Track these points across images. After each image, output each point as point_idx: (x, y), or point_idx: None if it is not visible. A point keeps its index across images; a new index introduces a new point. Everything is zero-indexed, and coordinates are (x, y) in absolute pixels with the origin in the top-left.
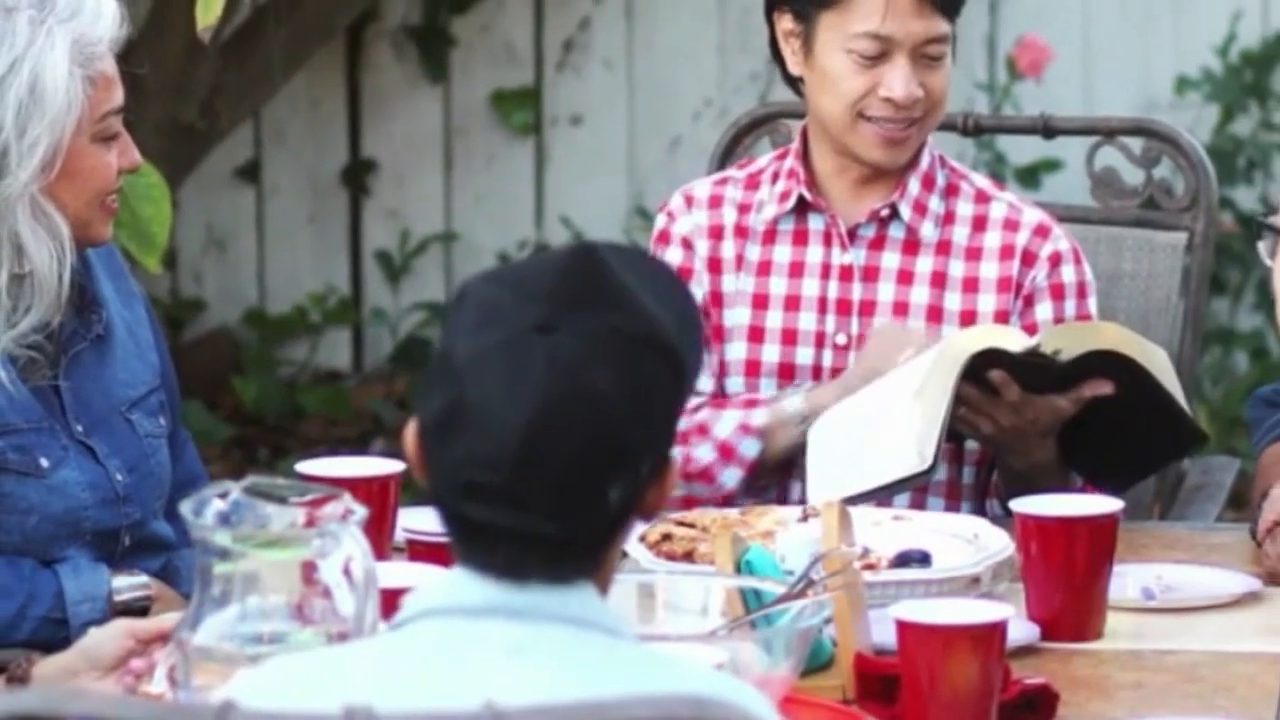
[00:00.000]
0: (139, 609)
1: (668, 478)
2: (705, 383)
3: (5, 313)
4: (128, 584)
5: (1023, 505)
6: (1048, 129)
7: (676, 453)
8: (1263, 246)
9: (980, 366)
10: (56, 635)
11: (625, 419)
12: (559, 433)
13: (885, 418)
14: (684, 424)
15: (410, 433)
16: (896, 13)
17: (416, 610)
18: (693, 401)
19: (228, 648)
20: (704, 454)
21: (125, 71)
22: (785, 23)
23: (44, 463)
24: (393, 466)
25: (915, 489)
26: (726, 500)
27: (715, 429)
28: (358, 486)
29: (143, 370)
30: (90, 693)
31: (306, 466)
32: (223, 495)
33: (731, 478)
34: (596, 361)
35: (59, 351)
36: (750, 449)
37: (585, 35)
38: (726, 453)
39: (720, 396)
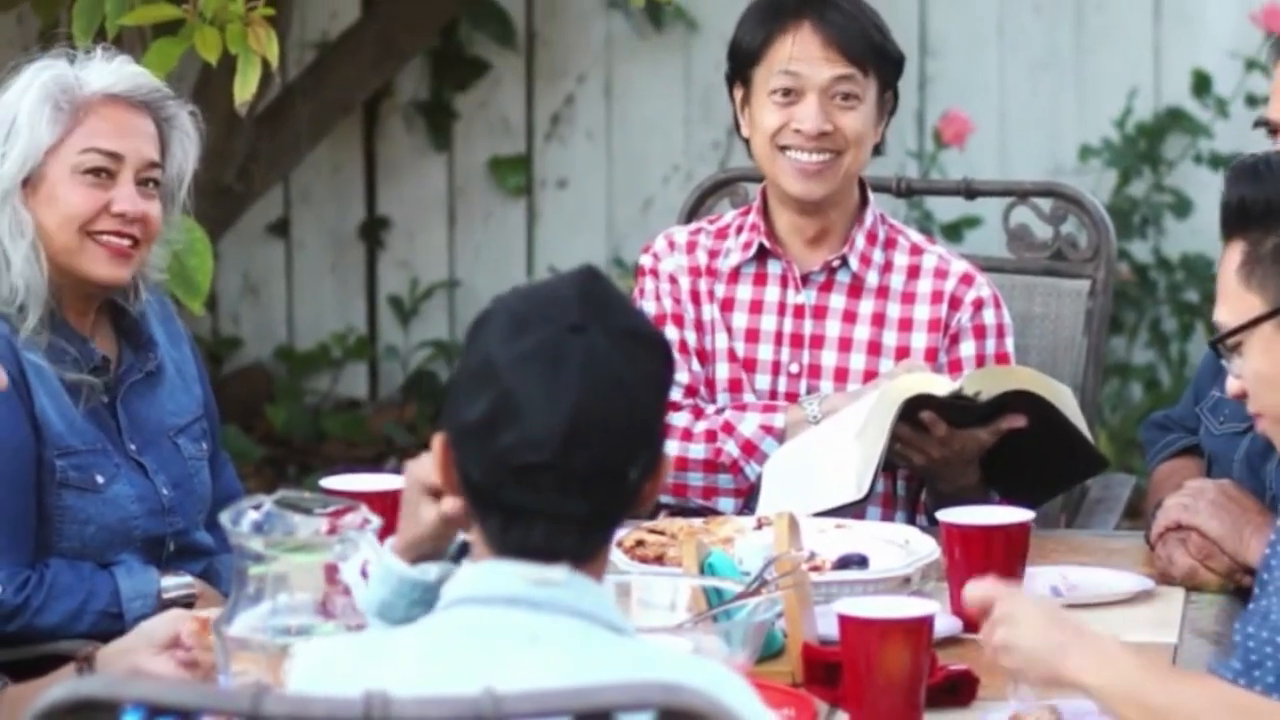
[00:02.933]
0: (185, 605)
1: (662, 472)
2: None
3: (15, 311)
4: (175, 583)
5: (947, 515)
6: (969, 191)
7: (706, 449)
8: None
9: (913, 409)
10: (113, 628)
11: (645, 405)
12: (598, 417)
13: (831, 453)
14: (708, 423)
15: (438, 442)
16: (800, 55)
17: (455, 598)
18: (710, 406)
19: (261, 639)
20: (732, 449)
21: None
22: (738, 92)
23: (99, 479)
24: (403, 482)
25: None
26: (747, 491)
27: (740, 427)
28: (373, 500)
29: (188, 401)
30: (144, 677)
31: (329, 482)
32: (256, 507)
33: (754, 471)
34: (620, 355)
35: (117, 383)
36: (770, 447)
37: (570, 110)
38: (749, 449)
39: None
